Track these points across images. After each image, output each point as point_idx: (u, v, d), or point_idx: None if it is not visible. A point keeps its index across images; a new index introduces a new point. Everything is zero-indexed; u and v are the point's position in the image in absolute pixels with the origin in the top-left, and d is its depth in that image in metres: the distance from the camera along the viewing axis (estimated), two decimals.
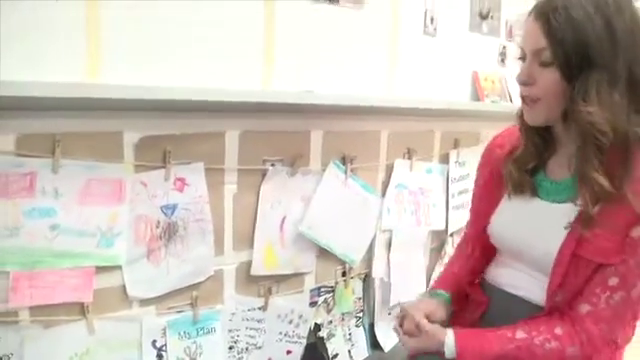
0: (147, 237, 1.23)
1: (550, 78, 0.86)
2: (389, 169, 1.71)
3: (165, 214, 1.25)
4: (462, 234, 1.25)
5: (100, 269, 1.17)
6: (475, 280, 1.10)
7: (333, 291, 1.62)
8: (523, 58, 0.91)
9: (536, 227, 0.93)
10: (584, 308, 0.87)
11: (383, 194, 1.70)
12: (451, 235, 1.95)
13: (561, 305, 0.90)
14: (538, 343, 0.88)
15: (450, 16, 1.91)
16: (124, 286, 1.21)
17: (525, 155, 0.97)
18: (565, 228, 0.88)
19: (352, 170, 1.58)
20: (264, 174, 1.40)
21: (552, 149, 0.96)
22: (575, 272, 0.87)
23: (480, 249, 1.08)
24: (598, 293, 0.86)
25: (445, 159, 1.90)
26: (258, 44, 1.37)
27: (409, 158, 1.76)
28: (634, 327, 0.93)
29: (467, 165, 1.95)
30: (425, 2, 1.80)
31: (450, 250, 1.95)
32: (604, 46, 0.82)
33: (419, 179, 1.80)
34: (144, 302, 1.26)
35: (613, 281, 0.85)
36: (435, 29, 1.85)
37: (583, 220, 0.85)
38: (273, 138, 1.41)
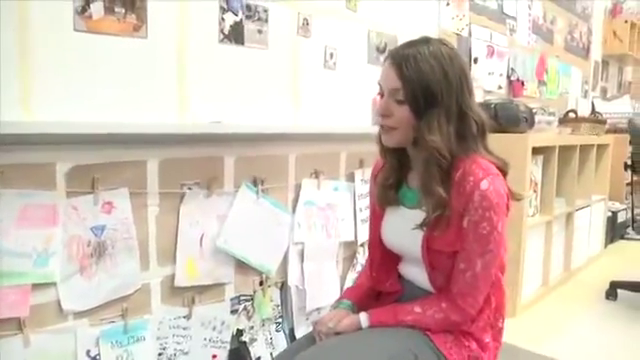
0: (79, 255, 1.40)
1: (404, 113, 1.07)
2: (298, 188, 1.94)
3: (95, 234, 1.43)
4: None
5: (36, 286, 1.33)
6: (381, 285, 1.31)
7: (252, 299, 1.82)
8: (382, 94, 1.15)
9: (405, 230, 1.17)
10: (454, 288, 1.11)
11: (293, 211, 1.93)
12: (361, 245, 2.19)
13: (444, 286, 1.15)
14: (429, 314, 1.13)
15: (350, 51, 2.19)
16: (59, 301, 1.37)
17: (385, 173, 1.22)
18: (413, 229, 1.12)
19: (263, 190, 1.80)
20: (183, 196, 1.60)
21: (408, 165, 1.21)
22: (437, 262, 1.13)
23: (380, 256, 1.30)
24: (456, 275, 1.11)
25: (351, 177, 2.15)
26: (172, 81, 1.58)
27: (316, 178, 2.00)
28: (501, 289, 1.20)
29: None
30: (325, 39, 2.08)
31: (361, 259, 2.20)
32: (442, 89, 1.05)
33: (327, 196, 2.04)
34: (78, 315, 1.41)
35: (462, 265, 1.09)
36: (335, 63, 2.13)
37: (425, 223, 1.10)
38: (190, 164, 1.61)
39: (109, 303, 1.47)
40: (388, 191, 1.21)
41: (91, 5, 1.38)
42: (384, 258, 1.29)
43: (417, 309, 1.14)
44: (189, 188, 1.61)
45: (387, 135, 1.13)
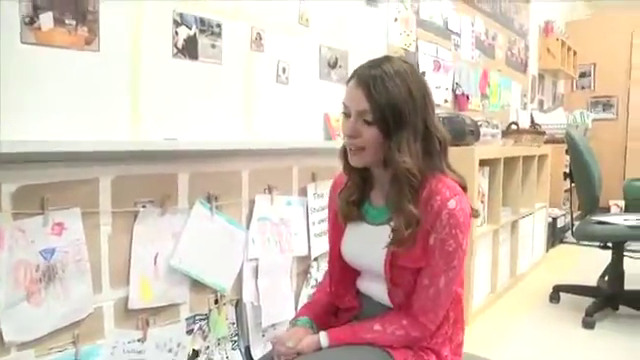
0: (26, 281, 1.35)
1: (373, 134, 1.08)
2: (251, 204, 1.96)
3: (44, 258, 1.39)
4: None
5: None
6: (339, 300, 1.32)
7: (207, 318, 1.81)
8: (348, 114, 1.12)
9: (367, 245, 1.19)
10: (415, 304, 1.13)
11: (248, 227, 1.94)
12: (315, 260, 2.22)
13: (403, 303, 1.17)
14: (389, 332, 1.15)
15: (302, 66, 2.24)
16: (0, 332, 1.31)
17: (349, 190, 1.24)
18: (383, 248, 1.14)
19: (217, 207, 1.80)
20: (136, 215, 1.58)
21: (371, 183, 1.23)
22: (399, 277, 1.15)
23: (339, 270, 1.32)
24: (419, 291, 1.14)
25: (304, 192, 2.19)
26: (125, 97, 1.57)
27: (269, 193, 2.02)
28: (460, 304, 1.24)
29: (325, 196, 2.23)
30: (278, 54, 2.11)
31: (315, 273, 2.23)
32: (409, 108, 1.07)
33: (280, 211, 2.06)
34: (23, 346, 1.36)
35: (425, 281, 1.12)
36: (287, 78, 2.16)
37: (397, 240, 1.12)
38: (143, 182, 1.60)
39: (59, 330, 1.43)
40: (352, 207, 1.23)
41: (40, 16, 1.35)
42: (343, 273, 1.30)
43: (377, 327, 1.16)
44: (143, 206, 1.60)
45: (356, 156, 1.14)
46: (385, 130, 1.08)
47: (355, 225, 1.24)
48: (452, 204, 1.08)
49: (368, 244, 1.18)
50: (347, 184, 1.24)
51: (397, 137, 1.08)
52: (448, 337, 1.21)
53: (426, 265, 1.12)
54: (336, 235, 1.29)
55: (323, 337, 1.17)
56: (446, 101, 3.47)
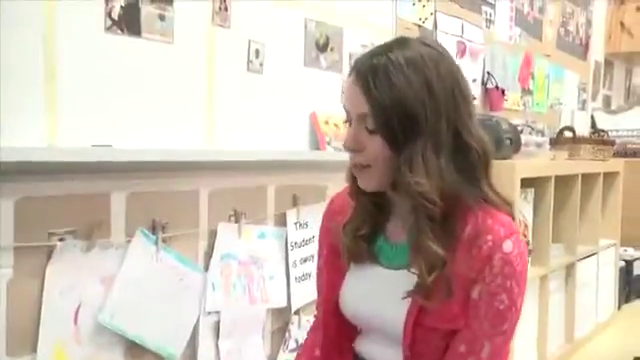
0: None
1: (378, 146, 1.08)
2: (212, 236, 1.94)
3: None
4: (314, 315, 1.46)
5: None
6: None
7: None
8: (349, 121, 1.13)
9: (381, 296, 1.18)
10: None
11: (206, 267, 1.91)
12: (296, 313, 2.21)
13: None
14: None
15: (280, 48, 2.23)
16: None
17: (357, 221, 1.22)
18: (403, 298, 1.12)
19: (165, 240, 1.77)
20: (50, 252, 1.54)
21: (388, 211, 1.22)
22: (424, 341, 1.13)
23: (335, 328, 1.30)
24: None
25: (282, 220, 2.17)
26: (37, 86, 1.54)
27: (236, 221, 2.00)
28: None
29: (311, 226, 2.24)
30: (249, 31, 2.09)
31: (297, 332, 2.21)
32: (427, 110, 1.05)
33: (250, 246, 2.04)
34: None
35: (462, 348, 1.10)
36: (262, 64, 2.15)
37: (421, 290, 1.10)
38: (62, 205, 1.56)
39: None
40: (360, 244, 1.22)
41: None
42: (338, 332, 1.30)
43: None
44: (60, 239, 1.56)
45: (362, 177, 1.15)
46: (392, 140, 1.08)
47: (363, 268, 1.23)
48: (508, 247, 1.08)
49: (382, 294, 1.18)
50: (355, 213, 1.23)
51: (408, 150, 1.07)
52: None
53: (465, 327, 1.11)
54: (333, 280, 1.28)
55: None
56: (474, 98, 3.47)
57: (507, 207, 1.15)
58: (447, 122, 1.08)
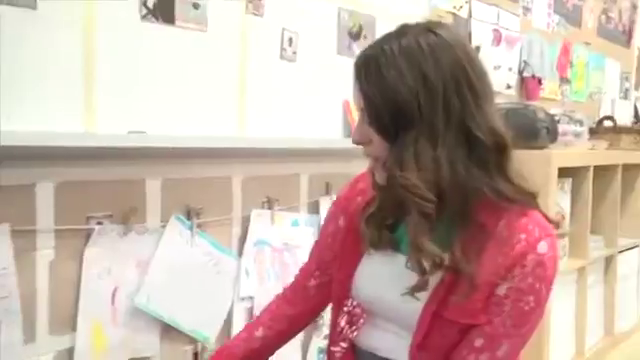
0: None
1: (378, 139, 1.08)
2: (245, 222, 1.97)
3: None
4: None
5: None
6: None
7: None
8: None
9: (398, 284, 1.15)
10: None
11: (240, 253, 1.95)
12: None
13: None
14: None
15: (314, 37, 2.25)
16: None
17: (381, 211, 1.21)
18: (403, 294, 1.10)
19: (199, 225, 1.82)
20: (89, 235, 1.60)
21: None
22: (439, 332, 1.12)
23: (304, 301, 1.38)
24: (464, 355, 1.11)
25: (315, 208, 2.19)
26: (75, 74, 1.58)
27: (269, 208, 2.03)
28: None
29: None
30: (283, 20, 2.12)
31: (328, 319, 2.23)
32: (421, 102, 1.03)
33: (283, 233, 2.07)
34: None
35: (479, 342, 1.09)
36: (295, 53, 2.17)
37: (420, 289, 1.09)
38: (99, 190, 1.61)
39: None
40: (383, 232, 1.21)
41: None
42: (305, 308, 1.40)
43: None
44: (98, 223, 1.61)
45: (376, 169, 1.15)
46: (385, 134, 1.07)
47: (383, 254, 1.23)
48: (543, 248, 1.07)
49: (400, 283, 1.15)
50: (377, 202, 1.22)
51: (399, 146, 1.06)
52: None
53: (486, 323, 1.10)
54: (347, 260, 1.28)
55: None
56: (509, 87, 3.46)
57: (529, 199, 1.12)
58: (447, 114, 1.04)
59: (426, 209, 1.04)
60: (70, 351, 1.59)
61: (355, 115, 2.37)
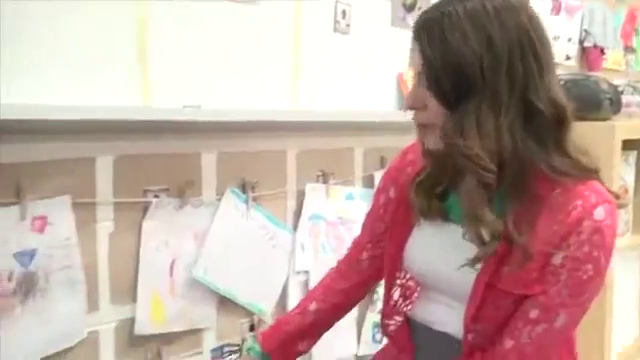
0: None
1: (435, 104, 1.06)
2: (300, 196, 1.98)
3: (20, 263, 1.43)
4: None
5: None
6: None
7: (240, 350, 1.85)
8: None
9: (450, 255, 1.15)
10: (507, 343, 1.10)
11: (295, 227, 1.97)
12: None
13: (482, 341, 1.13)
14: None
15: (367, 8, 2.22)
16: None
17: (431, 178, 1.20)
18: (461, 266, 1.08)
19: (255, 199, 1.84)
20: (146, 208, 1.63)
21: (461, 171, 1.16)
22: (493, 303, 1.09)
23: (359, 275, 1.38)
24: (520, 327, 1.08)
25: (370, 182, 2.18)
26: (131, 51, 1.60)
27: (324, 182, 2.04)
28: (572, 357, 1.22)
29: None
30: None
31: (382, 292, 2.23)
32: (485, 70, 1.01)
33: (338, 207, 2.08)
34: None
35: (534, 313, 1.08)
36: (348, 25, 2.15)
37: (480, 261, 1.07)
38: (156, 163, 1.64)
39: None
40: (434, 201, 1.21)
41: None
42: (359, 282, 1.41)
43: None
44: (155, 196, 1.64)
45: (425, 136, 1.13)
46: (445, 100, 1.05)
47: (434, 225, 1.22)
48: (600, 214, 1.04)
49: (451, 253, 1.15)
50: (428, 170, 1.21)
51: (461, 111, 1.04)
52: None
53: (541, 293, 1.08)
54: (398, 232, 1.28)
55: None
56: (568, 58, 3.38)
57: (589, 174, 1.09)
58: (510, 81, 1.02)
59: (487, 179, 1.03)
60: (131, 321, 1.63)
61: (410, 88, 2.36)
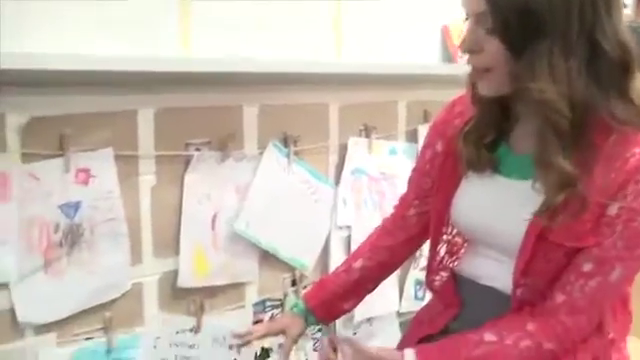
0: (43, 245, 1.42)
1: (496, 47, 1.02)
2: (342, 150, 1.97)
3: (66, 215, 1.45)
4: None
5: None
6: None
7: (282, 305, 1.86)
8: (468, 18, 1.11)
9: (499, 208, 1.15)
10: (558, 298, 1.08)
11: (337, 182, 1.95)
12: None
13: (531, 296, 1.12)
14: (510, 343, 1.09)
15: None
16: (13, 309, 1.39)
17: (480, 127, 1.18)
18: (526, 220, 1.07)
19: (296, 153, 1.83)
20: (188, 161, 1.63)
21: (512, 119, 1.17)
22: (544, 257, 1.09)
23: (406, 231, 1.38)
24: (572, 281, 1.08)
25: (413, 136, 2.16)
26: (173, 3, 1.58)
27: (367, 136, 2.02)
28: (628, 314, 1.19)
29: None
30: None
31: (426, 250, 2.22)
32: (555, 10, 0.97)
33: (381, 162, 2.05)
34: (41, 329, 1.44)
35: (587, 267, 1.05)
36: None
37: (547, 210, 1.05)
38: (198, 116, 1.63)
39: (86, 312, 1.51)
40: (482, 152, 1.18)
41: None
42: (408, 240, 1.41)
43: (489, 337, 1.11)
44: (197, 149, 1.64)
45: (481, 80, 1.10)
46: (512, 42, 1.01)
47: (482, 177, 1.20)
48: None
49: (502, 205, 1.14)
50: (477, 119, 1.19)
51: (531, 53, 1.00)
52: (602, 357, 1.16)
53: (595, 245, 1.05)
54: (445, 186, 1.26)
55: (410, 357, 1.14)
56: (625, 6, 3.26)
57: None
58: (580, 22, 0.99)
59: (562, 125, 1.00)
60: (174, 274, 1.65)
61: (456, 40, 2.30)
